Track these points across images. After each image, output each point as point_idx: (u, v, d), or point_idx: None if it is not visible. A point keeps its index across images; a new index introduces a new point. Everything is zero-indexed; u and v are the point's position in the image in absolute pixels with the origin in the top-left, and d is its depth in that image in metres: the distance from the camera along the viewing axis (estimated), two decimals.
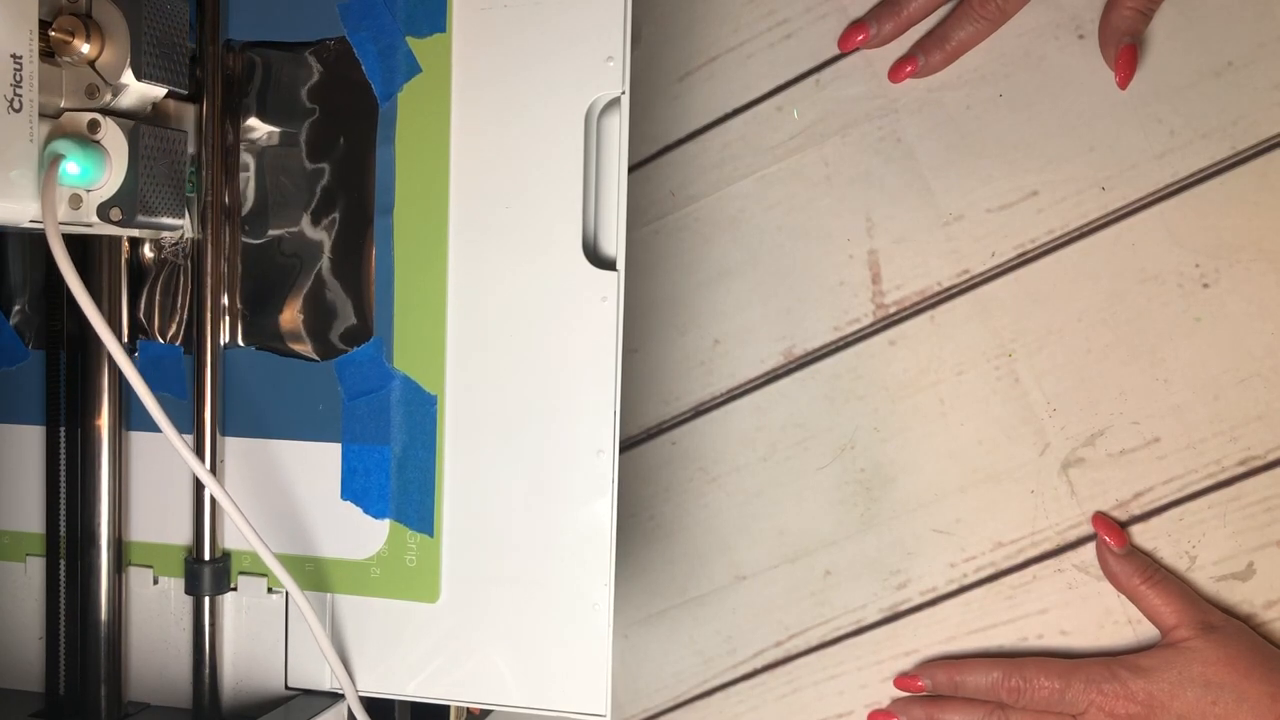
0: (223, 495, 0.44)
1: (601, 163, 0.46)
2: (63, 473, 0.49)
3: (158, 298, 0.49)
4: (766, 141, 0.55)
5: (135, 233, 0.45)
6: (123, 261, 0.49)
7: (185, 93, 0.46)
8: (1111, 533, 0.52)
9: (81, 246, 0.47)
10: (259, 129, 0.48)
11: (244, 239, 0.49)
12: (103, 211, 0.41)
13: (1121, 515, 0.53)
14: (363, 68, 0.46)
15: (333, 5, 0.46)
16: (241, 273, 0.49)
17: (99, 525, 0.48)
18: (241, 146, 0.48)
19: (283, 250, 0.49)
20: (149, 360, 0.49)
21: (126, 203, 0.41)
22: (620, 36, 0.44)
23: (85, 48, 0.40)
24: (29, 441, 0.50)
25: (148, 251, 0.49)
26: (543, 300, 0.45)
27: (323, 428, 0.48)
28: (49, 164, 0.39)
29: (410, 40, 0.46)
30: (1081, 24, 0.51)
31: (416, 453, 0.47)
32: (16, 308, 0.51)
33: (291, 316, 0.49)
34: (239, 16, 0.47)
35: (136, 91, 0.41)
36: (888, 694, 0.56)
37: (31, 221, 0.39)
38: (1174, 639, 0.51)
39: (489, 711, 0.52)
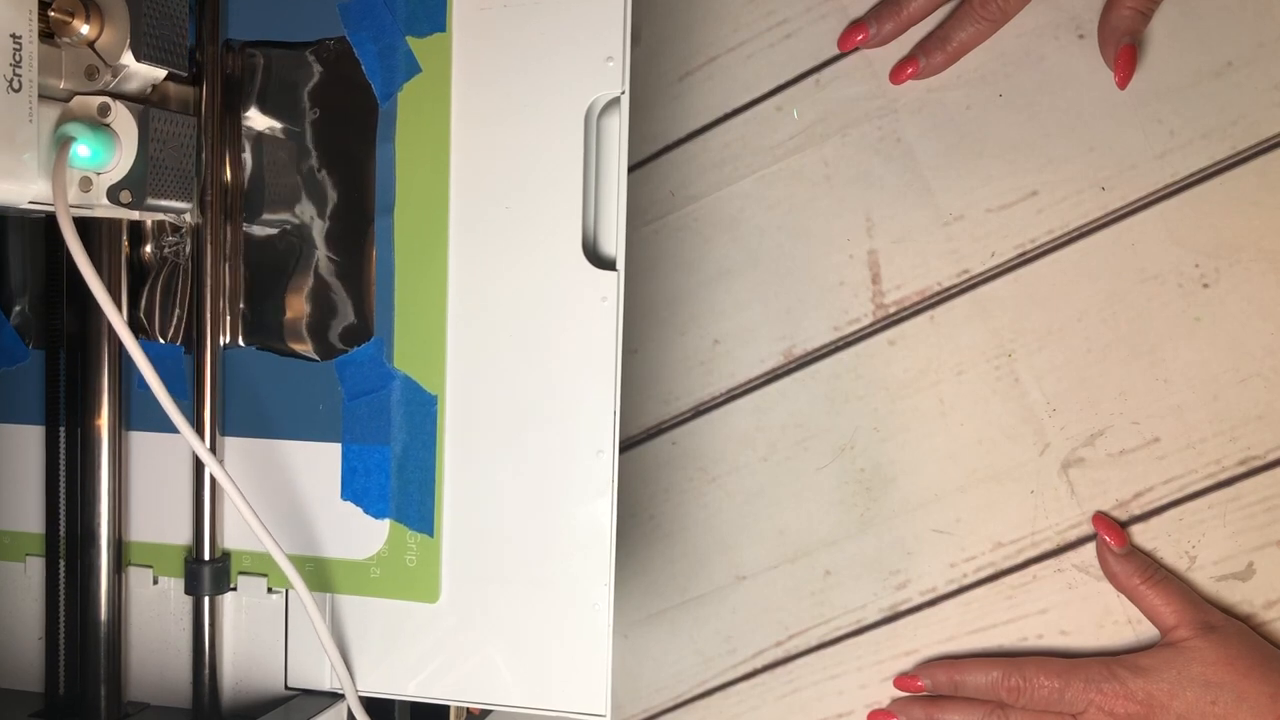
0: (231, 487, 0.44)
1: (601, 163, 0.46)
2: (63, 473, 0.49)
3: (158, 297, 0.49)
4: (766, 141, 0.55)
5: (141, 216, 0.45)
6: (123, 261, 0.49)
7: (185, 75, 0.46)
8: (1111, 532, 0.52)
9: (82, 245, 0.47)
10: (258, 128, 0.48)
11: (244, 239, 0.49)
12: (112, 194, 0.41)
13: (1121, 515, 0.53)
14: (363, 67, 0.46)
15: (332, 5, 0.46)
16: (242, 273, 0.49)
17: (99, 525, 0.48)
18: (241, 146, 0.48)
19: (283, 250, 0.49)
20: (150, 360, 0.49)
21: (136, 185, 0.41)
22: (620, 36, 0.44)
23: (84, 28, 0.40)
24: (29, 441, 0.50)
25: (148, 251, 0.49)
26: (543, 300, 0.45)
27: (323, 428, 0.48)
28: (60, 146, 0.39)
29: (410, 40, 0.46)
30: (1081, 24, 0.51)
31: (417, 453, 0.47)
32: (16, 308, 0.51)
33: (292, 316, 0.49)
34: (238, 16, 0.47)
35: (136, 73, 0.42)
36: (888, 694, 0.56)
37: (31, 203, 0.39)
38: (1174, 639, 0.51)
39: (489, 711, 0.52)
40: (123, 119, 0.41)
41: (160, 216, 0.47)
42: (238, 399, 0.49)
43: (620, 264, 0.45)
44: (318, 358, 0.48)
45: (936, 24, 0.52)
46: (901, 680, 0.55)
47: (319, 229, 0.48)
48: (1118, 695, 0.50)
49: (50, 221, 0.49)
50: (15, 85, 0.37)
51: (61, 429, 0.49)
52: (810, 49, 0.54)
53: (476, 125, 0.46)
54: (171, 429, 0.48)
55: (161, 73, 0.43)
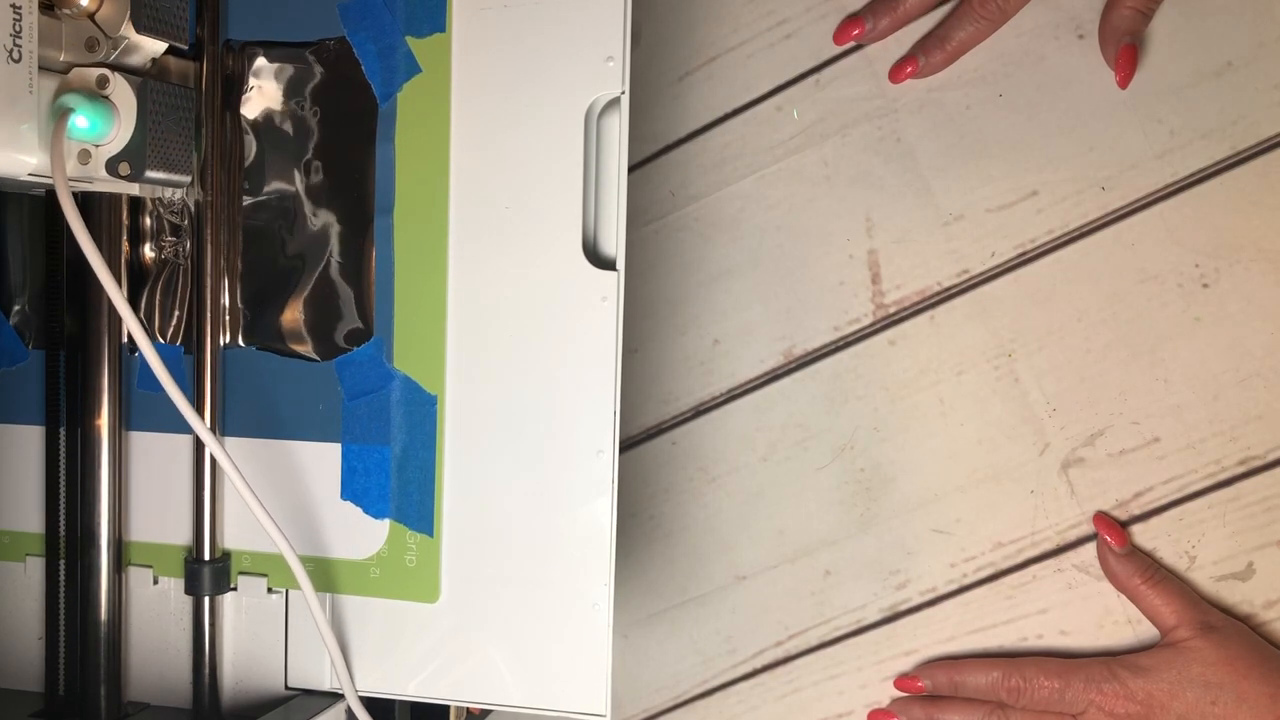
0: (238, 478, 0.44)
1: (601, 163, 0.46)
2: (63, 473, 0.49)
3: (158, 298, 0.49)
4: (766, 141, 0.55)
5: (136, 189, 0.45)
6: (123, 262, 0.49)
7: (185, 48, 0.46)
8: (1112, 532, 0.52)
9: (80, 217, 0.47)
10: (257, 128, 0.48)
11: (243, 238, 0.49)
12: (111, 166, 0.41)
13: (1121, 515, 0.53)
14: (362, 68, 0.46)
15: (332, 5, 0.46)
16: (242, 273, 0.49)
17: (99, 525, 0.48)
18: (240, 147, 0.48)
19: (283, 250, 0.49)
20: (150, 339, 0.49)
21: (135, 158, 0.41)
22: (620, 36, 0.44)
23: (84, 0, 0.40)
24: (29, 441, 0.50)
25: (148, 252, 0.49)
26: (543, 300, 0.45)
27: (323, 428, 0.48)
28: (58, 117, 0.39)
29: (410, 40, 0.46)
30: (1081, 24, 0.51)
31: (416, 453, 0.47)
32: (16, 308, 0.51)
33: (292, 316, 0.49)
34: (239, 16, 0.47)
35: (137, 46, 0.42)
36: (888, 694, 0.56)
37: (30, 175, 0.39)
38: (1174, 639, 0.51)
39: (489, 711, 0.52)
40: (121, 91, 0.41)
41: (159, 190, 0.47)
42: (238, 399, 0.49)
43: (620, 264, 0.45)
44: (318, 357, 0.48)
45: (936, 23, 0.52)
46: (901, 681, 0.55)
47: (319, 229, 0.48)
48: (1118, 695, 0.50)
49: (50, 207, 0.49)
50: (15, 56, 0.37)
51: (61, 429, 0.49)
52: (810, 49, 0.54)
53: (476, 125, 0.46)
54: (172, 429, 0.49)
55: (162, 45, 0.43)
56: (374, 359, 0.47)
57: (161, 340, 0.49)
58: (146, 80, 0.42)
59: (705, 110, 0.56)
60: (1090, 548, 0.53)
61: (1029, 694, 0.51)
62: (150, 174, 0.42)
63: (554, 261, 0.45)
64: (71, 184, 0.41)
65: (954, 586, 0.55)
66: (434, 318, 0.46)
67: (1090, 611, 0.53)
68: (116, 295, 0.41)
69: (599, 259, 0.46)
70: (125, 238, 0.49)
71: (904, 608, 0.56)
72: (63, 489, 0.49)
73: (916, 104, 0.53)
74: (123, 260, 0.49)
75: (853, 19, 0.53)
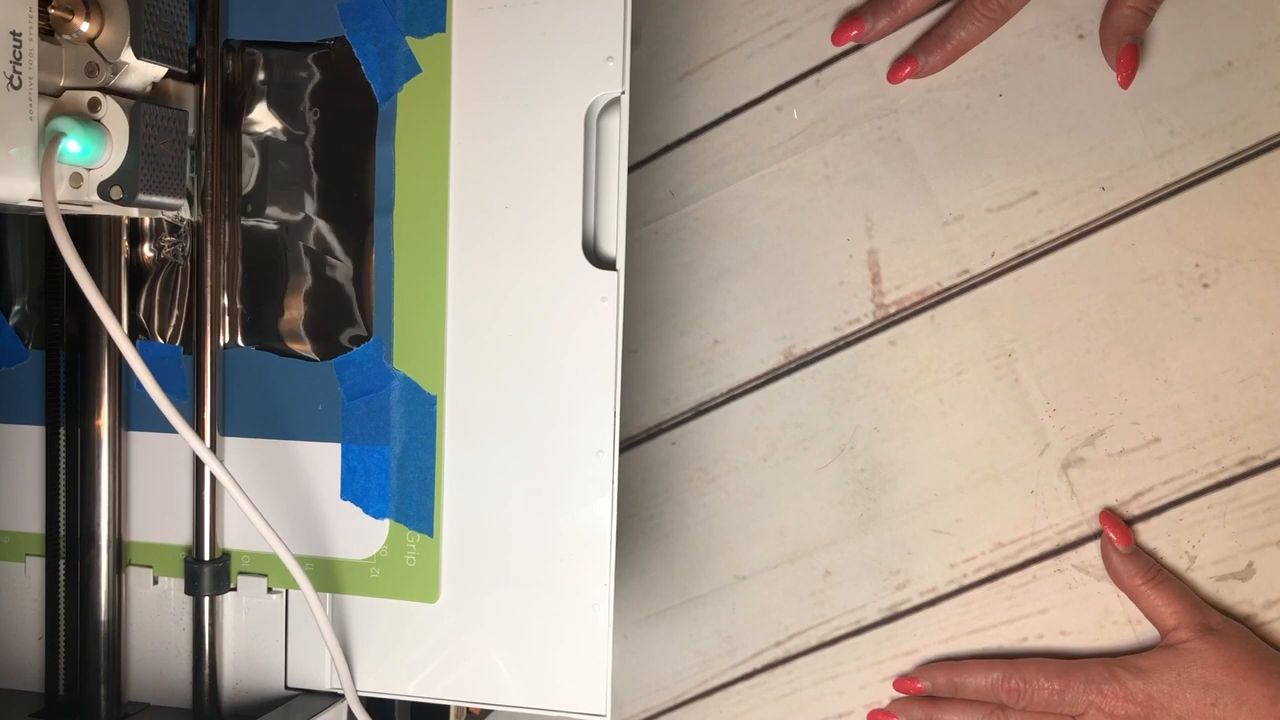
0: (237, 491, 0.44)
1: (601, 163, 0.46)
2: (62, 473, 0.49)
3: (157, 297, 0.49)
4: (766, 141, 0.55)
5: (135, 212, 0.45)
6: (122, 261, 0.49)
7: (185, 72, 0.46)
8: (1117, 530, 0.52)
9: (82, 247, 0.47)
10: (259, 128, 0.48)
11: (243, 238, 0.49)
12: (103, 190, 0.41)
13: (1121, 515, 0.53)
14: (362, 68, 0.46)
15: (333, 5, 0.46)
16: (241, 272, 0.49)
17: (99, 525, 0.48)
18: (241, 146, 0.48)
19: (283, 250, 0.49)
20: (149, 361, 0.49)
21: (127, 181, 0.41)
22: (620, 36, 0.44)
23: (85, 26, 0.40)
24: (29, 441, 0.50)
25: (147, 251, 0.49)
26: (543, 300, 0.45)
27: (322, 428, 0.48)
28: (49, 142, 0.39)
29: (410, 40, 0.46)
30: (1081, 24, 0.51)
31: (416, 453, 0.47)
32: (16, 308, 0.51)
33: (291, 316, 0.49)
34: (239, 16, 0.47)
35: (137, 70, 0.42)
36: (888, 694, 0.56)
37: (30, 200, 0.39)
38: (1174, 640, 0.51)
39: (489, 711, 0.52)
40: (113, 114, 0.41)
41: (152, 213, 0.47)
42: (237, 399, 0.49)
43: (620, 264, 0.45)
44: (317, 358, 0.48)
45: (935, 22, 0.52)
46: (901, 682, 0.55)
47: (319, 228, 0.48)
48: (1118, 696, 0.50)
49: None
50: (15, 83, 0.37)
51: (61, 429, 0.49)
52: (810, 49, 0.54)
53: (476, 125, 0.46)
54: (172, 429, 0.48)
55: (161, 70, 0.43)
56: (374, 359, 0.47)
57: (161, 340, 0.49)
58: (138, 103, 0.41)
59: (705, 110, 0.56)
60: (1090, 548, 0.53)
61: (1029, 695, 0.51)
62: (143, 197, 0.41)
63: (554, 261, 0.45)
64: (66, 207, 0.41)
65: (954, 586, 0.55)
66: (433, 318, 0.46)
67: (1090, 612, 0.53)
68: (114, 327, 0.41)
69: (599, 259, 0.46)
70: (125, 238, 0.49)
71: (904, 608, 0.56)
72: (63, 489, 0.49)
73: (916, 104, 0.53)
74: (122, 261, 0.49)
75: (852, 19, 0.53)
